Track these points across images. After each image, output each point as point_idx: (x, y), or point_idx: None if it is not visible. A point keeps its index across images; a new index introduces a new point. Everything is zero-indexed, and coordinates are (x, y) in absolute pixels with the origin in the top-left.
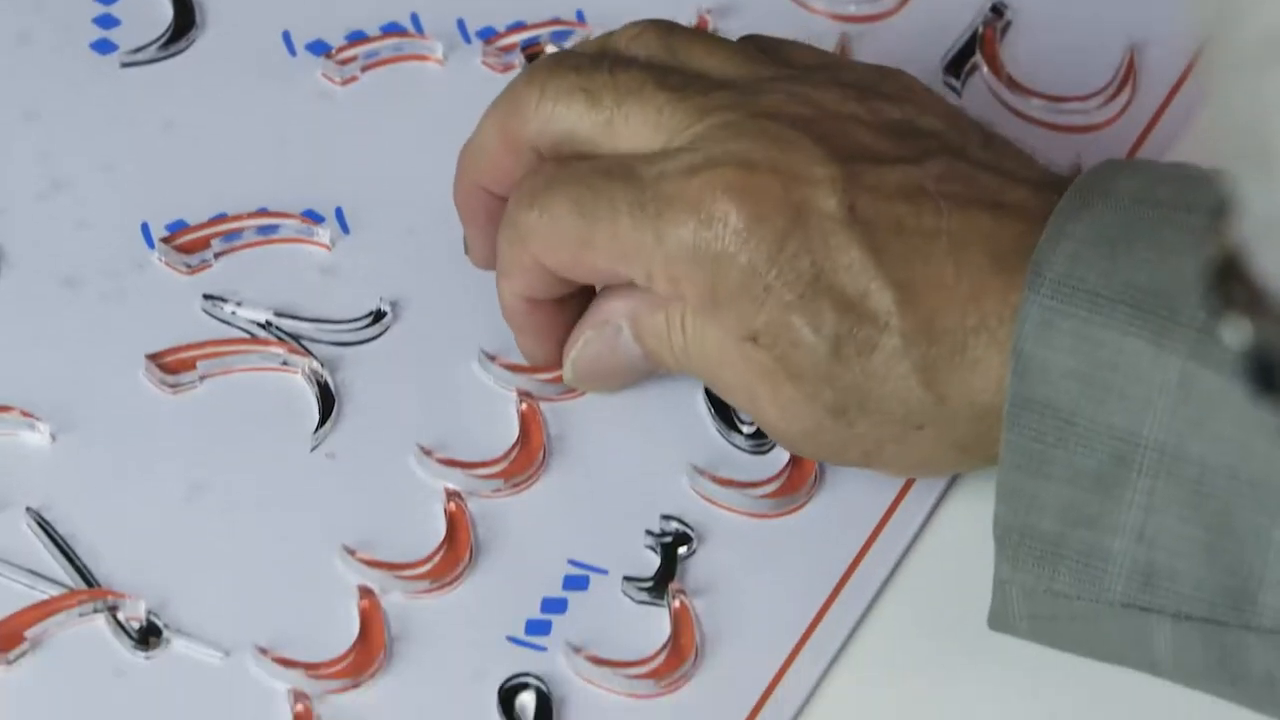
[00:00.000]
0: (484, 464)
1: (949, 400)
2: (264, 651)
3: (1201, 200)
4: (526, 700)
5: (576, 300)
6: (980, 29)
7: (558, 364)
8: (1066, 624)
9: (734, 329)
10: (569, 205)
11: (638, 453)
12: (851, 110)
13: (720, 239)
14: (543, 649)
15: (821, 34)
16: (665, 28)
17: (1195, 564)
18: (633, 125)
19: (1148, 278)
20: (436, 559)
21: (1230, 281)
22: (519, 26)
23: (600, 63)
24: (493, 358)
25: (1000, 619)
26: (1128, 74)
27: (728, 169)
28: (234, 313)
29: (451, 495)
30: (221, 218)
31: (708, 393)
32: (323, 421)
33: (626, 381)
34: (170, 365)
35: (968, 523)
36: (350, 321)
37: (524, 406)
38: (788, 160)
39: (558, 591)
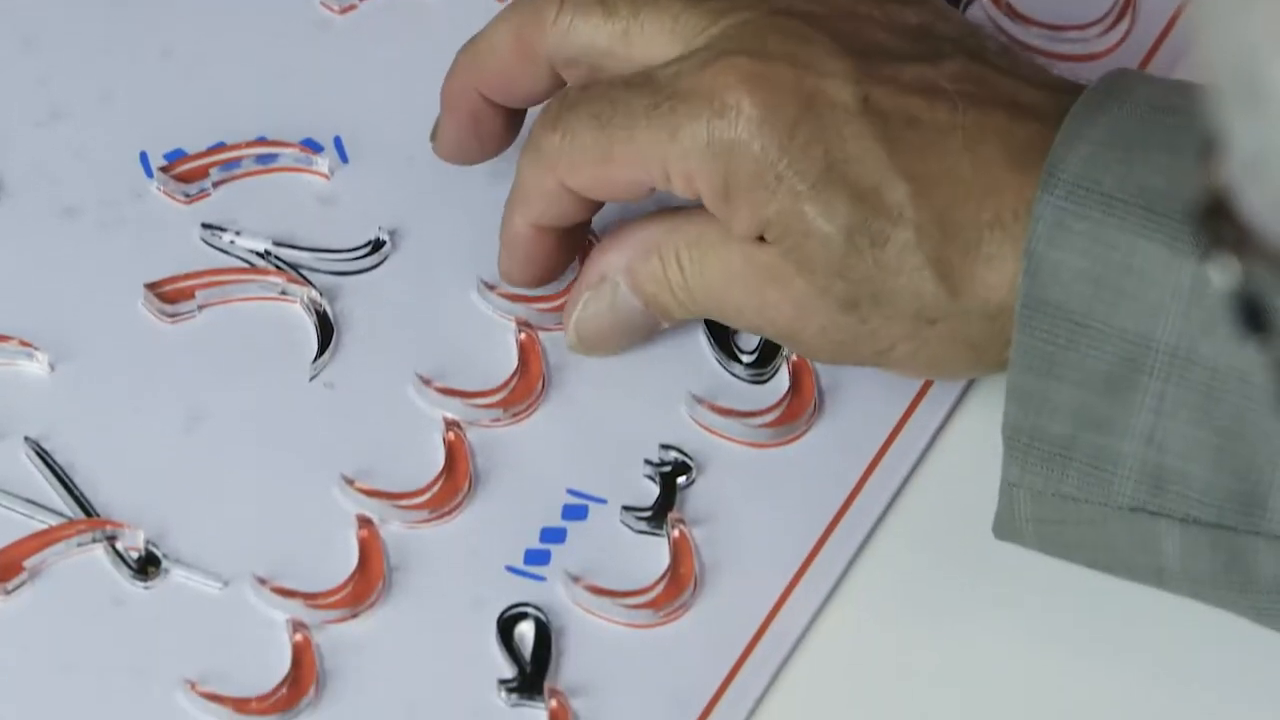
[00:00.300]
0: (483, 393)
1: (962, 295)
2: (263, 581)
3: None
4: (525, 630)
5: (572, 236)
6: None
7: (528, 286)
8: (1073, 529)
9: (745, 224)
10: (589, 120)
11: (637, 382)
12: (868, 12)
13: (733, 127)
14: (542, 579)
15: None
16: None
17: (1205, 468)
18: (649, 34)
19: (1163, 182)
20: (435, 489)
21: (1218, 220)
22: None
23: None
24: (492, 287)
25: (1006, 524)
26: (1127, 3)
27: (740, 59)
28: (232, 242)
29: (450, 425)
30: (220, 147)
31: (707, 322)
32: (321, 351)
33: (631, 341)
34: (169, 295)
35: (968, 453)
36: (349, 251)
37: (523, 336)
38: (802, 52)
39: (557, 521)
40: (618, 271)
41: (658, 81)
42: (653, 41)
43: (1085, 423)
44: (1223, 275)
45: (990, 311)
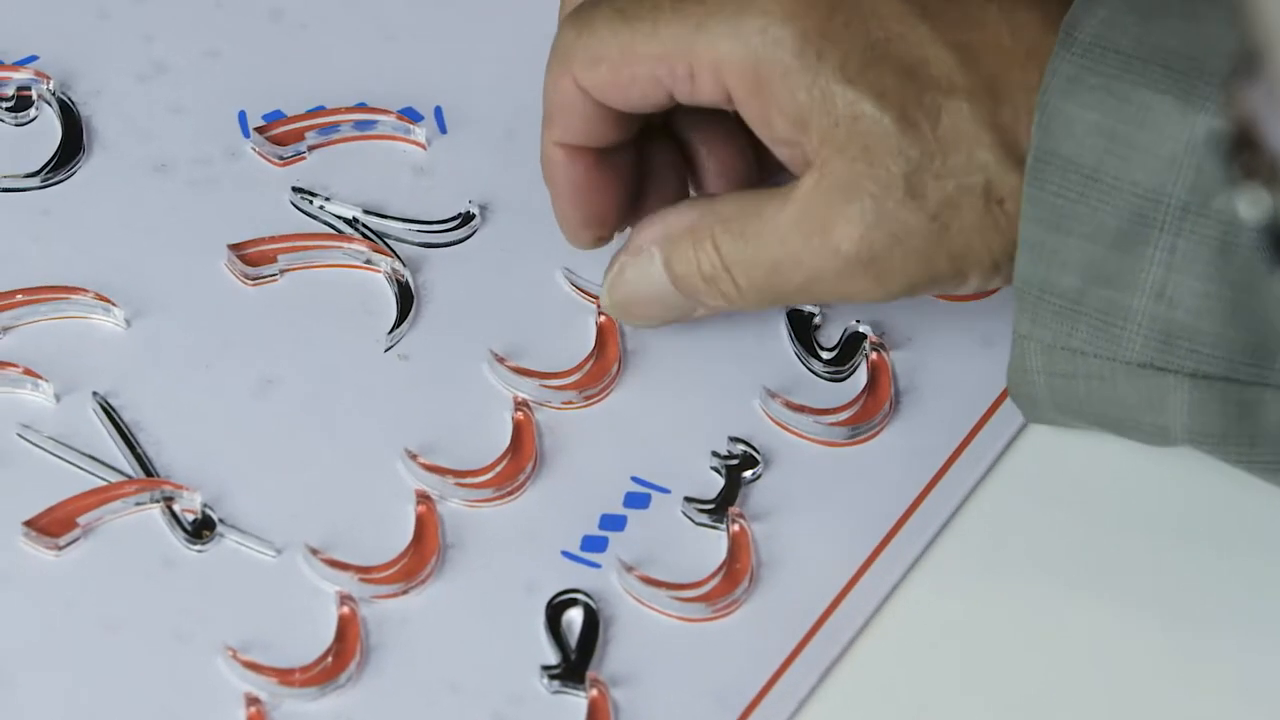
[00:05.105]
0: (557, 374)
1: (1024, 161)
2: (315, 552)
3: None
4: (574, 616)
5: (615, 166)
6: None
7: (586, 238)
8: (1083, 383)
9: (782, 116)
10: (610, 14)
11: (712, 372)
12: None
13: (765, 14)
14: (597, 566)
15: None
16: None
17: (1216, 322)
18: None
19: (1179, 42)
20: (499, 468)
21: (1248, 153)
22: None
23: None
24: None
25: (1019, 378)
26: None
27: None
28: (322, 207)
29: (519, 404)
30: (319, 110)
31: (789, 315)
32: (399, 322)
33: (666, 316)
34: (251, 257)
35: (1037, 466)
36: (438, 223)
37: (602, 318)
38: None
39: (618, 508)
40: (653, 242)
41: None
42: None
43: (1095, 277)
44: (1253, 208)
45: None
